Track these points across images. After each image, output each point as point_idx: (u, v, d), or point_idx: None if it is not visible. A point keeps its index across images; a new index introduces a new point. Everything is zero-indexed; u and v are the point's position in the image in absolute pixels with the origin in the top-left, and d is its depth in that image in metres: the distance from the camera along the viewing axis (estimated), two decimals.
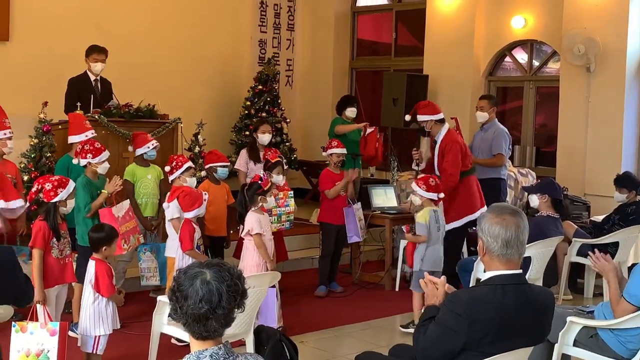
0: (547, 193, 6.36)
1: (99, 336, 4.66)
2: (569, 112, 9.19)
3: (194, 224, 5.52)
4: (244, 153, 7.51)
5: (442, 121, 6.87)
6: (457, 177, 6.69)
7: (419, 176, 6.62)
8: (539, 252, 5.80)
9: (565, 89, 9.25)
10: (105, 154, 5.73)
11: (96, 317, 4.67)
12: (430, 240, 5.96)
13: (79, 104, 6.97)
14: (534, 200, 6.42)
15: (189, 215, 5.52)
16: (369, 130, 8.12)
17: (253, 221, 5.54)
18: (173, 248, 5.68)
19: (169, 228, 5.92)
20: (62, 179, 4.86)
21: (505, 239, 3.03)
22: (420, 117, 6.75)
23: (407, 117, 7.35)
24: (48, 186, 4.75)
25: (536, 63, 10.13)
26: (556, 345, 4.13)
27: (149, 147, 6.46)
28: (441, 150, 6.72)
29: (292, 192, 6.87)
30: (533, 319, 3.07)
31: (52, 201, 4.73)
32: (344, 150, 7.26)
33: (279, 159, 6.73)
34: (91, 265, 4.77)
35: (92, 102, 7.16)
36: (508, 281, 3.06)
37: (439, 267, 5.94)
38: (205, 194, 5.68)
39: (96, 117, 7.01)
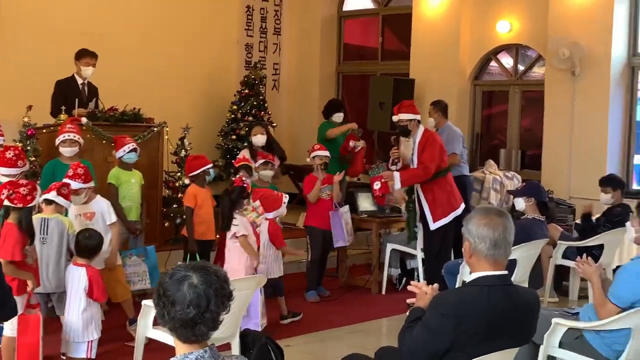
0: (533, 196, 6.39)
1: (92, 340, 4.67)
2: (554, 116, 9.25)
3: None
4: (245, 154, 7.44)
5: (419, 122, 6.91)
6: (431, 172, 6.71)
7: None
8: (525, 255, 5.82)
9: (550, 93, 9.31)
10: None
11: (89, 322, 4.67)
12: None
13: (63, 107, 6.95)
14: (520, 203, 6.44)
15: (270, 215, 6.01)
16: (358, 145, 8.16)
17: (239, 223, 5.55)
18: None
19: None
20: (30, 183, 4.80)
21: (493, 240, 3.04)
22: (403, 116, 6.76)
23: (353, 143, 7.71)
24: (24, 191, 4.66)
25: (521, 67, 10.19)
26: (542, 346, 4.15)
27: (124, 150, 6.37)
28: (421, 146, 6.74)
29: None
30: (519, 321, 3.08)
31: (29, 205, 4.66)
32: (327, 153, 7.27)
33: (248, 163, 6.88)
34: (82, 273, 4.75)
35: (77, 106, 7.11)
36: (494, 282, 3.07)
37: None
38: (286, 196, 6.19)
39: (82, 121, 6.94)
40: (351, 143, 8.17)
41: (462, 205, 6.86)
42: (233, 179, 6.13)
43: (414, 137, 6.80)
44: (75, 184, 5.36)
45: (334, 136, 8.24)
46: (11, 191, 4.61)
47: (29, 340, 4.50)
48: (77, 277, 4.82)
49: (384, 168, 7.27)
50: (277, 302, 6.30)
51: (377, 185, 6.88)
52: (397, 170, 6.91)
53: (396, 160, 7.22)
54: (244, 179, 5.84)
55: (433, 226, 6.75)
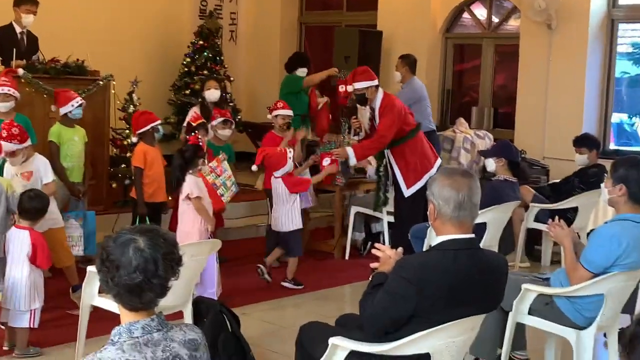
0: (504, 156, 6.45)
1: (35, 309, 4.65)
2: (529, 72, 9.31)
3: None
4: (194, 113, 7.38)
5: (377, 87, 6.89)
6: (387, 141, 6.75)
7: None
8: (495, 218, 5.89)
9: (525, 48, 9.36)
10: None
11: (32, 290, 4.65)
12: None
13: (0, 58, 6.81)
14: (491, 164, 6.50)
15: (278, 173, 6.32)
16: (321, 101, 8.19)
17: (192, 184, 5.52)
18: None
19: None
20: None
21: (457, 201, 3.07)
22: (358, 85, 6.72)
23: (343, 88, 7.11)
24: None
25: (496, 20, 10.21)
26: (510, 313, 4.22)
27: (72, 105, 6.29)
28: (380, 115, 6.76)
29: (224, 155, 6.83)
30: (485, 286, 3.13)
31: None
32: (290, 112, 7.24)
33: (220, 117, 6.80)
34: (25, 236, 4.70)
35: (15, 56, 6.96)
36: (460, 246, 3.10)
37: None
38: (291, 151, 6.44)
39: (19, 72, 6.82)
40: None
41: (438, 162, 6.92)
42: (187, 137, 6.07)
43: (373, 103, 6.79)
44: (10, 145, 5.26)
45: (313, 84, 8.34)
46: None
47: None
48: (20, 241, 4.76)
49: (335, 145, 7.30)
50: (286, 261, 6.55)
51: (326, 162, 6.92)
52: (360, 141, 6.94)
53: (358, 130, 7.24)
54: (199, 136, 5.79)
55: (407, 192, 6.82)
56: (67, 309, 5.54)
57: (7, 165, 5.48)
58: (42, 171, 5.55)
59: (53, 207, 5.41)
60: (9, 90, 6.08)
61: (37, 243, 4.77)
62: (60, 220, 5.69)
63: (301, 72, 8.41)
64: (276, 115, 7.19)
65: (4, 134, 5.29)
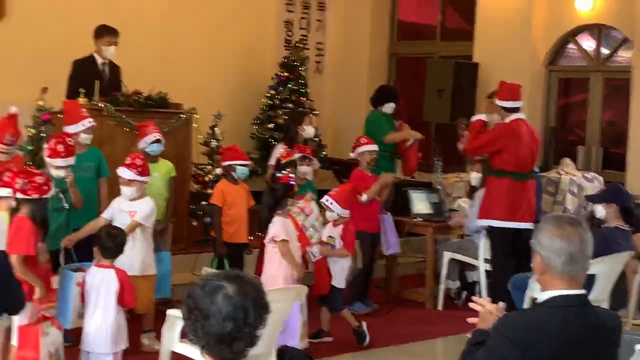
0: (614, 202, 6.34)
1: (118, 352, 4.81)
2: None
3: None
4: (283, 148, 7.43)
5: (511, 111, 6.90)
6: (474, 152, 7.07)
7: None
8: (605, 270, 5.76)
9: (637, 81, 9.17)
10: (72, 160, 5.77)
11: (116, 331, 4.79)
12: None
13: (82, 90, 7.08)
14: (600, 210, 6.40)
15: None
16: (409, 142, 8.20)
17: (279, 226, 5.59)
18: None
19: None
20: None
21: (569, 254, 3.02)
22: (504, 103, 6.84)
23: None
24: (40, 179, 4.80)
25: (605, 51, 10.04)
26: None
27: (146, 142, 6.48)
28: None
29: (311, 194, 6.88)
30: (597, 348, 3.06)
31: (44, 196, 4.80)
32: (376, 147, 7.26)
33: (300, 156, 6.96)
34: (111, 276, 4.85)
35: (98, 89, 7.24)
36: (570, 303, 3.05)
37: None
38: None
39: (101, 105, 7.10)
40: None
41: (529, 224, 6.77)
42: (278, 174, 6.15)
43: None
44: (129, 173, 5.57)
45: (394, 142, 8.21)
46: (26, 181, 4.74)
47: (30, 356, 4.63)
48: (105, 281, 4.90)
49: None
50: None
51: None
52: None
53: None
54: (291, 175, 5.87)
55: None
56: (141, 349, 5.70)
57: (118, 200, 5.75)
58: (144, 214, 5.72)
59: (150, 252, 5.61)
60: (90, 122, 6.29)
61: (124, 281, 4.91)
62: (154, 267, 5.86)
63: (388, 107, 8.35)
64: (362, 152, 7.22)
65: (128, 160, 5.63)
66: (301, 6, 11.74)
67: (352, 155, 7.38)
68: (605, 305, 5.76)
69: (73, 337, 5.39)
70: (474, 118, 7.16)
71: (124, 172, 5.62)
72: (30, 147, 6.88)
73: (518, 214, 6.84)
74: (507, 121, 6.85)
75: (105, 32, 7.58)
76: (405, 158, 8.42)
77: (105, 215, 5.77)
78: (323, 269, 6.12)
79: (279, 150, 7.47)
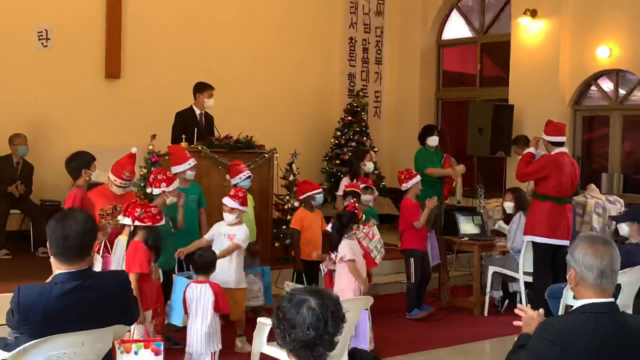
0: (637, 220, 6.17)
1: (215, 352, 4.87)
2: None
3: None
4: (347, 181, 7.51)
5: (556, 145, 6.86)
6: (523, 178, 7.04)
7: None
8: (630, 280, 5.59)
9: None
10: (177, 183, 5.90)
11: (213, 336, 4.87)
12: None
13: (184, 136, 7.24)
14: (624, 228, 6.24)
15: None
16: (458, 170, 8.18)
17: (346, 247, 5.59)
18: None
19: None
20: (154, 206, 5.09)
21: (600, 270, 2.97)
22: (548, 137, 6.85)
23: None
24: (154, 210, 4.93)
25: (622, 92, 9.82)
26: None
27: (240, 178, 6.59)
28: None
29: (374, 220, 6.85)
30: (631, 352, 2.96)
31: (157, 224, 4.92)
32: (418, 177, 7.18)
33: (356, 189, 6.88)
34: (207, 289, 4.93)
35: (196, 135, 7.40)
36: (601, 309, 2.98)
37: None
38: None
39: (199, 148, 7.25)
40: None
41: (566, 242, 6.68)
42: (346, 203, 6.19)
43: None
44: (232, 202, 5.68)
45: (435, 175, 8.14)
46: (143, 210, 4.87)
47: None
48: (203, 295, 4.99)
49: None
50: None
51: None
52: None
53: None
54: (356, 205, 5.89)
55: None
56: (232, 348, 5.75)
57: (218, 224, 5.87)
58: (242, 238, 5.80)
59: (241, 269, 5.73)
60: (194, 161, 6.43)
61: (218, 292, 5.01)
62: (244, 281, 5.92)
63: (431, 140, 8.30)
64: (415, 184, 7.12)
65: (231, 192, 5.80)
66: (361, 61, 11.83)
67: (403, 187, 7.25)
68: (629, 310, 5.60)
69: (179, 341, 5.49)
70: (525, 151, 7.13)
71: (228, 202, 5.73)
72: (142, 184, 7.03)
73: (557, 232, 6.78)
74: (552, 153, 6.80)
75: (206, 87, 7.76)
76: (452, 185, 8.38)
77: (207, 236, 5.86)
78: None
79: (345, 182, 7.50)
